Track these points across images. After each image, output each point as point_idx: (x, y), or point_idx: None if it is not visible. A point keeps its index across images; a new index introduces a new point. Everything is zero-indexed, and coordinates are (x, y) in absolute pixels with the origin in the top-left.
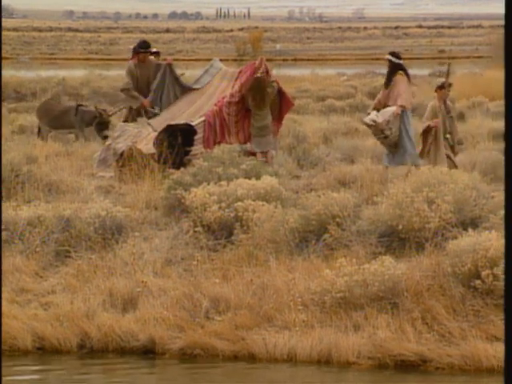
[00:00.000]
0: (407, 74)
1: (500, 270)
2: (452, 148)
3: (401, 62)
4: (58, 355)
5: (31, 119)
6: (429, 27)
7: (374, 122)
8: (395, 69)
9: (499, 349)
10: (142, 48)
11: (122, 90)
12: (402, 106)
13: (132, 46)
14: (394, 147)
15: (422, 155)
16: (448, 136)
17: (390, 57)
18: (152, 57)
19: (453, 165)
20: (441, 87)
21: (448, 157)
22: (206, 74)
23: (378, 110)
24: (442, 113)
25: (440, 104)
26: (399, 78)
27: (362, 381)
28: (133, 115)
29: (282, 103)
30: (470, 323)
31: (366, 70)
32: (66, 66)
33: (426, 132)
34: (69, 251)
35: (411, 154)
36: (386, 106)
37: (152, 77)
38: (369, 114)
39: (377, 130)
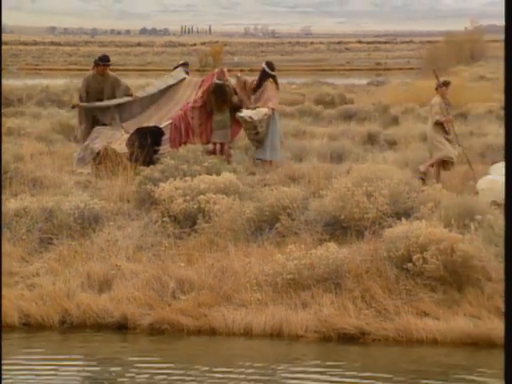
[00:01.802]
0: (276, 83)
1: (429, 255)
2: (449, 139)
3: (273, 73)
4: (41, 330)
5: (18, 122)
6: (367, 42)
7: (251, 118)
8: (266, 76)
9: (428, 322)
10: (102, 61)
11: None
12: (272, 109)
13: (98, 56)
14: (260, 143)
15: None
16: (451, 129)
17: (265, 66)
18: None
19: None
20: (440, 86)
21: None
22: (173, 79)
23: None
24: (443, 108)
25: (440, 100)
26: (269, 84)
27: (309, 352)
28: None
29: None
30: (403, 301)
31: (313, 79)
32: (49, 76)
33: (437, 125)
34: (51, 239)
35: (273, 150)
36: (255, 107)
37: (108, 89)
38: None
39: (251, 126)
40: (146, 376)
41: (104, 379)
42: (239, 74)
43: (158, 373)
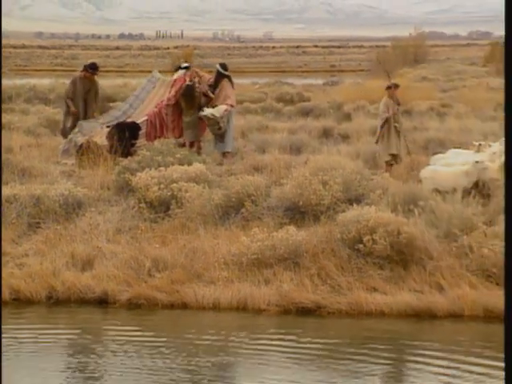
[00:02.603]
0: (231, 81)
1: (377, 236)
2: (398, 133)
3: (227, 73)
4: (29, 305)
5: (9, 118)
6: (323, 47)
7: (213, 115)
8: (221, 77)
9: (377, 297)
10: (91, 69)
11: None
12: (231, 105)
13: (88, 63)
14: (221, 137)
15: (377, 141)
16: (397, 124)
17: (219, 67)
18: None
19: (400, 145)
20: (389, 87)
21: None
22: (149, 82)
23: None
24: (392, 106)
25: (389, 100)
26: (225, 83)
27: (270, 323)
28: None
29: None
30: (355, 277)
31: (274, 79)
32: (36, 76)
33: (384, 122)
34: (39, 223)
35: (230, 142)
36: (214, 105)
37: (92, 92)
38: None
39: (215, 122)
40: (125, 345)
41: (85, 348)
42: (197, 70)
43: (135, 341)
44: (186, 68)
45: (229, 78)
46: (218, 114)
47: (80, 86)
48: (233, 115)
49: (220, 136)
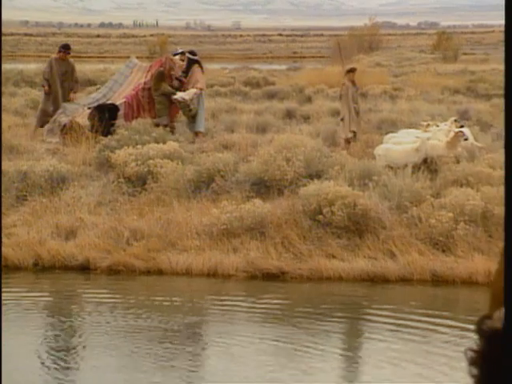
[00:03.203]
0: (201, 67)
1: (335, 208)
2: (357, 113)
3: (196, 58)
4: (17, 271)
5: None
6: (286, 35)
7: (184, 99)
8: (192, 63)
9: (335, 263)
10: (64, 49)
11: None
12: (201, 89)
13: (62, 44)
14: (193, 118)
15: (342, 119)
16: (355, 105)
17: (188, 55)
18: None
19: (359, 124)
20: (349, 71)
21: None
22: (127, 67)
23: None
24: (350, 89)
25: (348, 82)
26: (196, 69)
27: (239, 288)
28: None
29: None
30: (315, 246)
31: (242, 65)
32: (23, 61)
33: (341, 97)
34: (26, 196)
35: (201, 123)
36: (185, 89)
37: (69, 72)
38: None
39: (185, 105)
40: (105, 308)
41: (65, 309)
42: (171, 57)
43: (115, 303)
44: (180, 53)
45: (199, 63)
46: (188, 98)
47: (56, 67)
48: (203, 98)
49: (192, 117)
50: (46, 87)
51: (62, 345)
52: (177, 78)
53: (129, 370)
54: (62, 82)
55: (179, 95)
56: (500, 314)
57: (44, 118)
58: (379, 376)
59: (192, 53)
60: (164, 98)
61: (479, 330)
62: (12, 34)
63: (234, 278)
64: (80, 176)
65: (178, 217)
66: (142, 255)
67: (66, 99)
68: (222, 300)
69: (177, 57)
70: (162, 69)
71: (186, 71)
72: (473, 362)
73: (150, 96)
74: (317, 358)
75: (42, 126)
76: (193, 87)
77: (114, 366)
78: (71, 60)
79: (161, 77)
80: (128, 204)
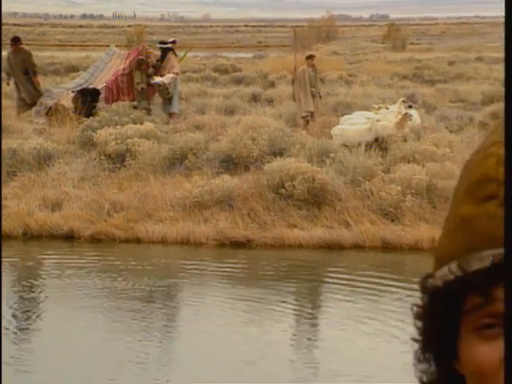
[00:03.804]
0: (175, 54)
1: (296, 183)
2: (314, 96)
3: (168, 45)
4: (8, 240)
5: None
6: (252, 26)
7: (163, 83)
8: (166, 51)
9: (296, 232)
10: (13, 41)
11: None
12: (177, 73)
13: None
14: (169, 100)
15: (295, 99)
16: (313, 89)
17: (159, 45)
18: (24, 46)
19: (315, 105)
20: (308, 57)
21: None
22: (107, 55)
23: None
24: (309, 73)
25: (308, 68)
26: (171, 56)
27: (209, 254)
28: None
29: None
30: (278, 216)
31: (212, 53)
32: None
33: (293, 81)
34: (15, 172)
35: (176, 105)
36: (162, 74)
37: (26, 61)
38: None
39: (164, 88)
40: (86, 271)
41: (52, 273)
42: (147, 47)
43: (96, 268)
44: (172, 42)
45: (173, 50)
46: (166, 81)
47: (13, 59)
48: (178, 82)
49: (168, 99)
50: (7, 81)
51: (43, 303)
52: (153, 66)
53: (110, 323)
54: (22, 69)
55: (158, 79)
56: (441, 273)
57: (22, 104)
58: (343, 330)
59: (163, 42)
60: (143, 85)
61: (423, 287)
62: (2, 24)
63: (205, 246)
64: (65, 153)
65: (154, 190)
66: (121, 225)
67: (31, 83)
68: (194, 265)
69: (168, 44)
70: (140, 57)
71: (161, 59)
72: (417, 316)
73: (129, 81)
74: (285, 314)
75: (23, 112)
76: (169, 72)
77: (96, 319)
78: (26, 48)
79: (137, 65)
80: (108, 179)
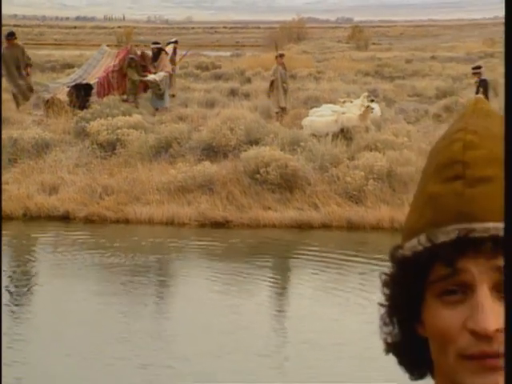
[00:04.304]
0: (166, 53)
1: (270, 169)
2: (285, 91)
3: (159, 45)
4: (9, 220)
5: None
6: (230, 28)
7: (155, 80)
8: (160, 51)
9: (270, 214)
10: (9, 36)
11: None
12: (168, 72)
13: (6, 33)
14: (160, 96)
15: (269, 95)
16: (284, 84)
17: (153, 45)
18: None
19: (288, 100)
20: (278, 56)
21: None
22: (99, 53)
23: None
24: (279, 71)
25: (278, 66)
26: (163, 56)
27: (192, 233)
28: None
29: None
30: (254, 199)
31: (194, 52)
32: None
33: (272, 83)
34: (16, 159)
35: (167, 100)
36: (155, 72)
37: (20, 56)
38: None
39: (156, 85)
40: (81, 248)
41: (52, 250)
42: (135, 48)
43: (89, 245)
44: (174, 42)
45: (164, 51)
46: (158, 79)
47: (8, 54)
48: (168, 79)
49: (160, 95)
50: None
51: (44, 274)
52: (141, 65)
53: (103, 295)
54: (16, 63)
55: (151, 76)
56: (410, 244)
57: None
58: (313, 301)
59: (155, 43)
60: (136, 80)
61: (392, 257)
62: (4, 25)
63: (188, 226)
64: (60, 142)
65: (142, 176)
66: (112, 207)
67: (24, 75)
68: (178, 243)
69: (171, 45)
70: (131, 56)
71: (155, 58)
72: (385, 284)
73: (119, 77)
74: (259, 286)
75: (19, 105)
76: (161, 70)
77: (90, 291)
78: (20, 44)
79: (129, 63)
80: (100, 165)
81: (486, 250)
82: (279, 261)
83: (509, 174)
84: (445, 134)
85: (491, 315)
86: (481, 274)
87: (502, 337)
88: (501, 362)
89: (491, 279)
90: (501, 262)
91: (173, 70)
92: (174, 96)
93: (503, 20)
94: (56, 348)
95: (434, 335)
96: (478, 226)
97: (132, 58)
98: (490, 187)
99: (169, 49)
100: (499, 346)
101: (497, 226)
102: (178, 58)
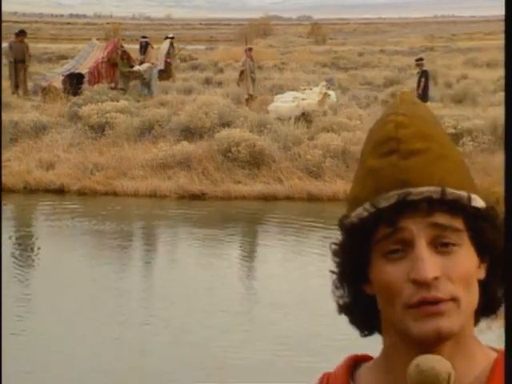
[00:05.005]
0: (152, 47)
1: (241, 148)
2: (253, 80)
3: (147, 39)
4: (11, 193)
5: None
6: (205, 24)
7: (139, 70)
8: (147, 44)
9: (240, 187)
10: (21, 33)
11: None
12: (153, 63)
13: (17, 31)
14: (147, 85)
15: (239, 84)
16: (252, 74)
17: (142, 39)
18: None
19: (255, 88)
20: (247, 50)
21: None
22: (89, 46)
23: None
24: (248, 63)
25: (247, 58)
26: (150, 49)
27: (172, 204)
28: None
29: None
30: (226, 174)
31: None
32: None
33: (241, 73)
34: (17, 139)
35: (154, 89)
36: (142, 63)
37: (25, 51)
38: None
39: (140, 74)
40: (74, 215)
41: (49, 220)
42: (121, 43)
43: (82, 213)
44: (171, 38)
45: (150, 44)
46: (142, 69)
47: (15, 48)
48: (155, 71)
49: (146, 84)
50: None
51: (40, 240)
52: (127, 58)
53: (94, 256)
54: (21, 56)
55: (136, 67)
56: (356, 212)
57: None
58: (278, 265)
59: (145, 38)
60: (126, 71)
61: (340, 226)
62: (5, 21)
63: (169, 198)
64: (56, 125)
65: (128, 154)
66: (102, 182)
67: (23, 71)
68: (161, 212)
69: (167, 40)
70: (123, 49)
71: (144, 51)
72: (335, 253)
73: (107, 67)
74: (231, 249)
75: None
76: (147, 62)
77: (82, 254)
78: (26, 42)
79: (120, 56)
80: (91, 145)
81: (422, 209)
82: (248, 227)
83: (509, 174)
84: (379, 118)
85: (429, 265)
86: (418, 230)
87: (439, 284)
88: (439, 308)
89: (428, 235)
90: (435, 219)
91: (170, 61)
92: (174, 81)
93: (442, 19)
94: (57, 297)
95: (381, 290)
96: (413, 190)
97: (124, 52)
98: (421, 158)
99: (166, 43)
100: (438, 292)
101: (429, 189)
102: (176, 51)
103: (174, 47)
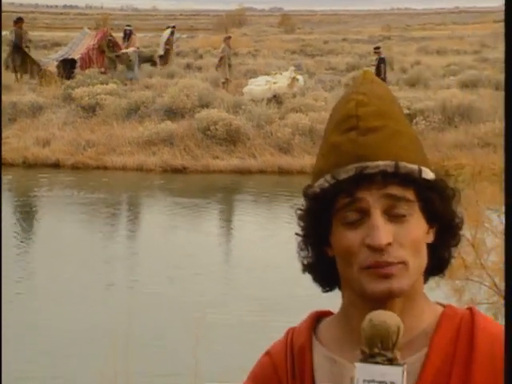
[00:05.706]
0: (135, 35)
1: (218, 126)
2: (230, 66)
3: (131, 28)
4: (11, 167)
5: None
6: (186, 15)
7: (127, 52)
8: (131, 33)
9: (218, 162)
10: (18, 20)
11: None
12: (137, 48)
13: (15, 18)
14: (131, 68)
15: (217, 69)
16: (229, 60)
17: (126, 27)
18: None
19: (231, 73)
20: (226, 38)
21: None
22: (81, 34)
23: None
24: (227, 50)
25: (226, 46)
26: (133, 36)
27: (157, 178)
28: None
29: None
30: (205, 150)
31: (156, 34)
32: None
33: (220, 59)
34: (15, 118)
35: (137, 73)
36: (127, 48)
37: (24, 36)
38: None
39: (127, 56)
40: (68, 186)
41: (47, 191)
42: (110, 31)
43: (75, 185)
44: (172, 27)
45: (134, 33)
46: (129, 51)
47: (17, 32)
48: (137, 55)
49: (130, 67)
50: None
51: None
52: (115, 44)
53: (85, 221)
54: (20, 41)
55: (123, 51)
56: (318, 183)
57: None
58: (254, 229)
59: (128, 26)
60: (112, 56)
61: (305, 194)
62: (3, 11)
63: (154, 172)
64: (52, 105)
65: (117, 132)
66: (93, 157)
67: (22, 54)
68: (145, 183)
69: (168, 30)
70: (110, 38)
71: (128, 38)
72: (300, 217)
73: (97, 53)
74: (210, 216)
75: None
76: (132, 47)
77: (76, 220)
78: (24, 28)
79: (107, 43)
80: (84, 124)
81: (377, 182)
82: (225, 198)
83: (509, 173)
84: (341, 97)
85: (383, 233)
86: (374, 201)
87: (391, 249)
88: (390, 271)
89: (383, 205)
90: (389, 190)
91: (169, 48)
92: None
93: (398, 11)
94: (55, 254)
95: (341, 253)
96: (370, 164)
97: (110, 40)
98: (379, 135)
99: (167, 32)
100: (389, 256)
101: (385, 164)
102: (175, 39)
103: (174, 35)
